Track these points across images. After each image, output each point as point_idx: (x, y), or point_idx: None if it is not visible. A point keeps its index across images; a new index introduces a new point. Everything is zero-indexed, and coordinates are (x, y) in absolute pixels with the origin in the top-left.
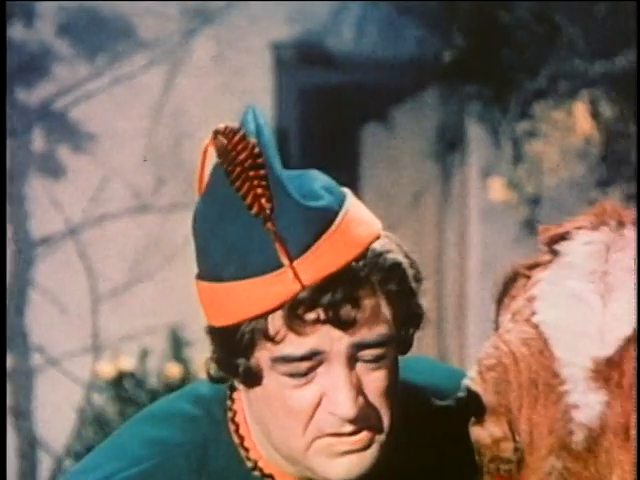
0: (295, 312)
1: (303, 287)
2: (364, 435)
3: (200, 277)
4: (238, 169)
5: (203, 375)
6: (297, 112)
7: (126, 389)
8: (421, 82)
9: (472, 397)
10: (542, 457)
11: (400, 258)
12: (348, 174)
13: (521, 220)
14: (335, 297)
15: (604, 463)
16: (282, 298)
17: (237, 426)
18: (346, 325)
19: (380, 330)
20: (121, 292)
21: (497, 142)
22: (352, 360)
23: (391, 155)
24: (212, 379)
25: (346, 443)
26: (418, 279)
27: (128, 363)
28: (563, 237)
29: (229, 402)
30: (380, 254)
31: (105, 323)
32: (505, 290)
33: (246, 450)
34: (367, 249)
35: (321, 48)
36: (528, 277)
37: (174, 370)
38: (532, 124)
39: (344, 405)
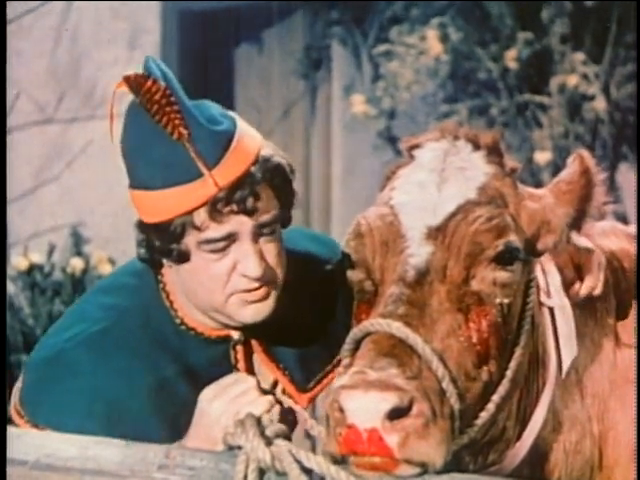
0: (215, 207)
1: (220, 189)
2: (264, 289)
3: (132, 187)
4: (156, 106)
5: (102, 268)
6: (179, 35)
7: (35, 280)
8: (289, 7)
9: (345, 258)
10: (388, 286)
11: (280, 159)
12: (224, 90)
13: (379, 131)
14: (243, 193)
15: (426, 290)
16: (204, 198)
17: (167, 294)
18: (251, 212)
19: (273, 212)
20: (28, 195)
21: (358, 62)
22: (256, 236)
23: (262, 73)
24: (143, 260)
25: (253, 295)
26: (292, 172)
27: (37, 257)
28: (418, 145)
29: (159, 276)
30: (267, 159)
31: (15, 222)
32: (383, 185)
33: (175, 310)
34: (258, 156)
35: None
36: (395, 173)
37: (76, 264)
38: (389, 47)
39: (253, 268)
